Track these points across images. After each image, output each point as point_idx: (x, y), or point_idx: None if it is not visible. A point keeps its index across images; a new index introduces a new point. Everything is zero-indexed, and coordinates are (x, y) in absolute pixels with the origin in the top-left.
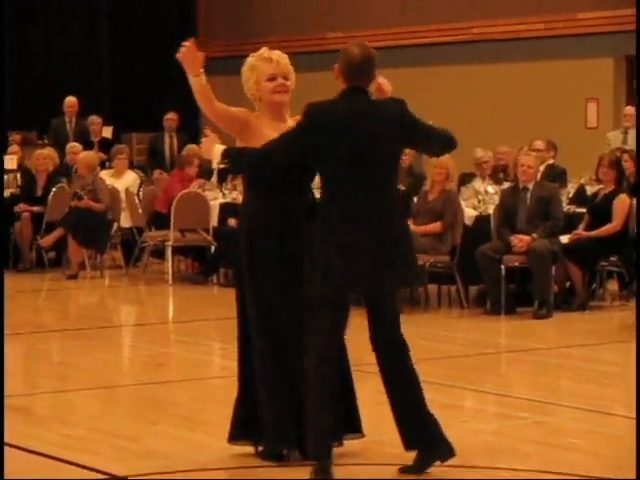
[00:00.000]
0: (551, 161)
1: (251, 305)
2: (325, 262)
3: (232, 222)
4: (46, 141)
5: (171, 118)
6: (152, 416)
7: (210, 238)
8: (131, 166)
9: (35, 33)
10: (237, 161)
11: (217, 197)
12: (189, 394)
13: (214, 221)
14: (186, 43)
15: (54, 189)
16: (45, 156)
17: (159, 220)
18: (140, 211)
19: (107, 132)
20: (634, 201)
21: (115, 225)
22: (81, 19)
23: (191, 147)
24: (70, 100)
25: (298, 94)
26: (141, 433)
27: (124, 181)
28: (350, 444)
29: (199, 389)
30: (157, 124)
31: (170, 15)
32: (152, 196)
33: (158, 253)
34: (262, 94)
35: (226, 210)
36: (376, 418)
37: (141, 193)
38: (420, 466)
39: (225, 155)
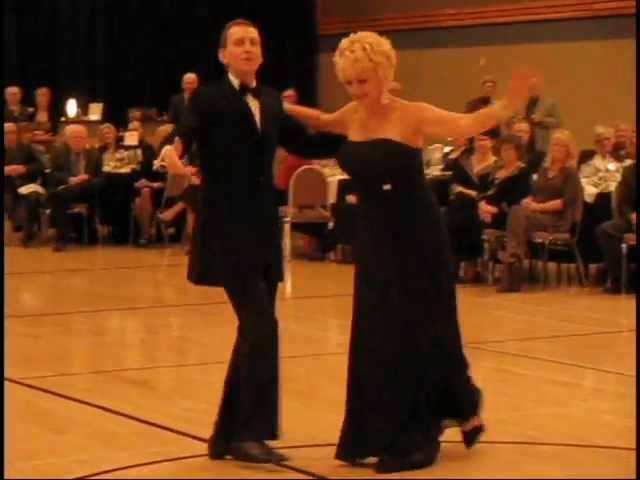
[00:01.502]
0: None
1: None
2: None
3: (350, 198)
4: (165, 118)
5: (290, 95)
6: None
7: (328, 214)
8: None
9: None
10: None
11: (335, 173)
12: (306, 369)
13: (332, 197)
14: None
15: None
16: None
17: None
18: None
19: None
20: None
21: None
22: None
23: None
24: (189, 77)
25: (413, 71)
26: None
27: None
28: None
29: (316, 365)
30: None
31: None
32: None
33: None
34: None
35: (344, 186)
36: (496, 397)
37: None
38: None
39: None
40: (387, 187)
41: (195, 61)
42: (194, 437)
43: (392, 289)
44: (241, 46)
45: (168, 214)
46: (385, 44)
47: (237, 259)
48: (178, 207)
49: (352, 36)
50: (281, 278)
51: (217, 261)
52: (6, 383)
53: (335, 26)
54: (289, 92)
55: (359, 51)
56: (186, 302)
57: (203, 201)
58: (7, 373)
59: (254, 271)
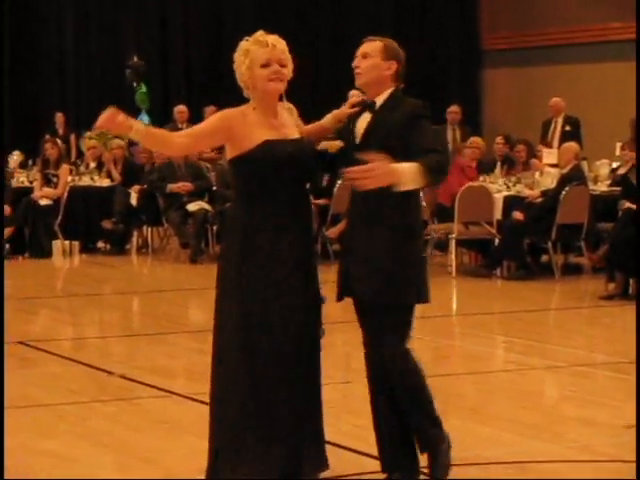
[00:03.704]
0: None
1: None
2: None
3: (517, 215)
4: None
5: (454, 111)
6: (440, 408)
7: (494, 231)
8: None
9: None
10: None
11: (501, 190)
12: (475, 387)
13: (498, 214)
14: (104, 113)
15: (339, 182)
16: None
17: (443, 213)
18: (424, 203)
19: None
20: None
21: None
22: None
23: (474, 139)
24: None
25: (577, 86)
26: None
27: None
28: None
29: (485, 382)
30: (439, 117)
31: (450, 9)
32: (435, 189)
33: (441, 246)
34: (257, 82)
35: (510, 203)
36: None
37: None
38: None
39: None
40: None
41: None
42: (364, 454)
43: None
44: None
45: (334, 231)
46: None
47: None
48: (343, 224)
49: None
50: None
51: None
52: (178, 398)
53: (500, 41)
54: (453, 108)
55: (275, 37)
56: (351, 319)
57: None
58: (176, 388)
59: None
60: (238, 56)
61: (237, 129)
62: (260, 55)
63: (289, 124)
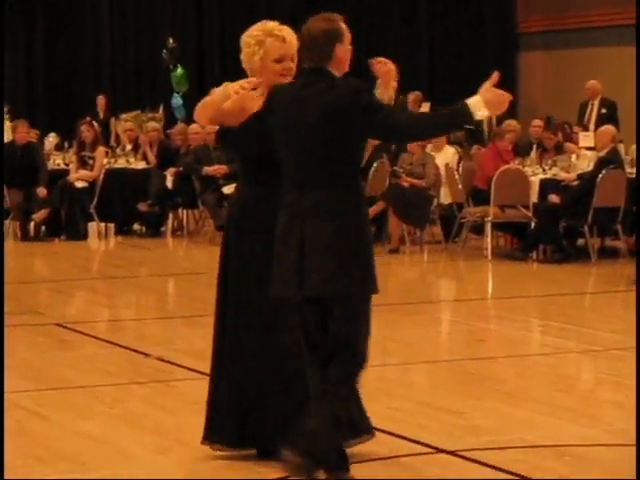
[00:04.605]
0: None
1: None
2: None
3: (553, 198)
4: None
5: None
6: (477, 391)
7: (530, 214)
8: (448, 141)
9: None
10: None
11: (537, 173)
12: (512, 370)
13: (534, 197)
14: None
15: (375, 164)
16: None
17: (479, 196)
18: (460, 187)
19: (425, 108)
20: None
21: (435, 201)
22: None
23: (509, 122)
24: None
25: (622, 68)
26: (467, 408)
27: (443, 156)
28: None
29: (521, 365)
30: None
31: None
32: (471, 172)
33: (477, 229)
34: (267, 74)
35: (546, 186)
36: None
37: (460, 168)
38: None
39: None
40: None
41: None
42: (400, 436)
43: None
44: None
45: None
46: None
47: None
48: (378, 207)
49: (262, 25)
50: None
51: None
52: None
53: (536, 24)
54: None
55: (289, 30)
56: (388, 301)
57: None
58: None
59: None
60: (250, 43)
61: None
62: (275, 50)
63: None
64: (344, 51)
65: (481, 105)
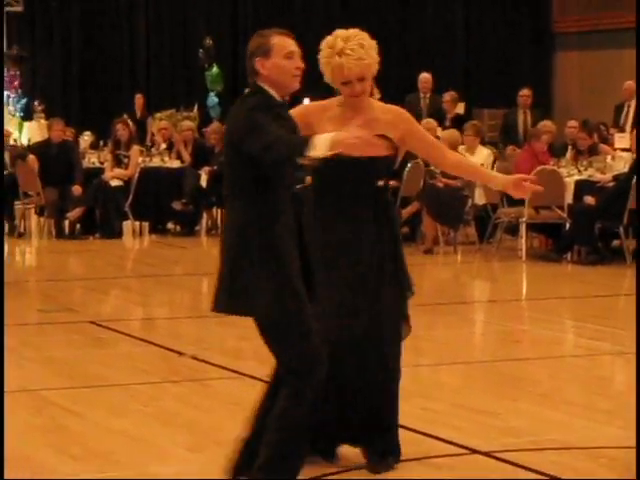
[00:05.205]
0: None
1: None
2: None
3: (588, 199)
4: None
5: (525, 94)
6: (511, 392)
7: (565, 215)
8: (482, 142)
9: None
10: None
11: (572, 174)
12: (547, 371)
13: (569, 198)
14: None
15: (409, 164)
16: None
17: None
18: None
19: (460, 108)
20: None
21: (469, 201)
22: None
23: (545, 123)
24: (424, 76)
25: None
26: (502, 409)
27: (477, 157)
28: None
29: (556, 367)
30: (509, 100)
31: None
32: (506, 172)
33: (512, 230)
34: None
35: (582, 187)
36: None
37: (495, 169)
38: None
39: None
40: (381, 183)
41: (432, 61)
42: (434, 437)
43: None
44: (292, 60)
45: (403, 214)
46: (371, 39)
47: None
48: (413, 207)
49: (339, 33)
50: None
51: None
52: (248, 380)
53: (572, 24)
54: (524, 91)
55: (359, 49)
56: (421, 302)
57: None
58: (246, 370)
59: None
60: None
61: (315, 125)
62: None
63: (377, 125)
64: (269, 66)
65: (325, 143)
